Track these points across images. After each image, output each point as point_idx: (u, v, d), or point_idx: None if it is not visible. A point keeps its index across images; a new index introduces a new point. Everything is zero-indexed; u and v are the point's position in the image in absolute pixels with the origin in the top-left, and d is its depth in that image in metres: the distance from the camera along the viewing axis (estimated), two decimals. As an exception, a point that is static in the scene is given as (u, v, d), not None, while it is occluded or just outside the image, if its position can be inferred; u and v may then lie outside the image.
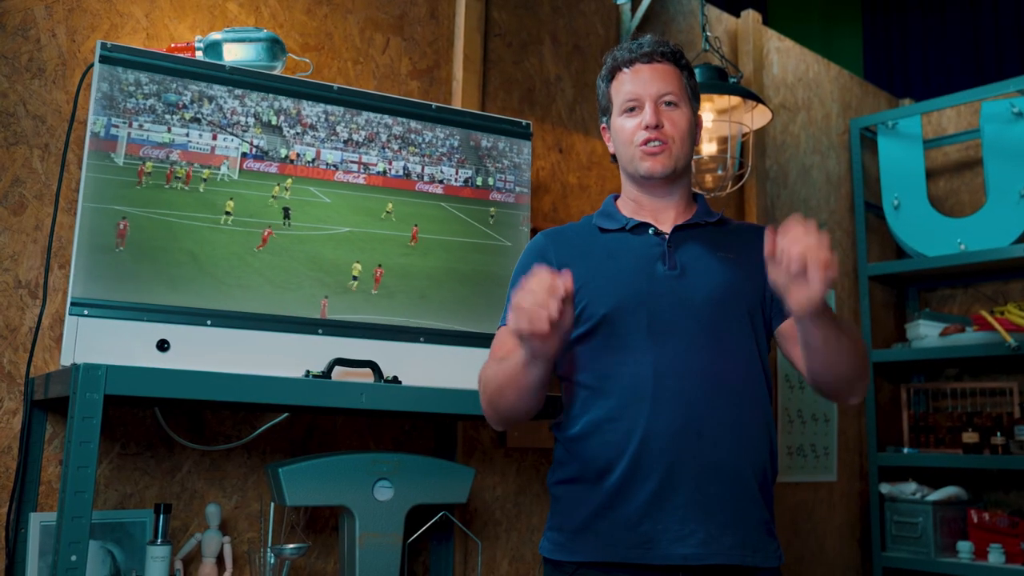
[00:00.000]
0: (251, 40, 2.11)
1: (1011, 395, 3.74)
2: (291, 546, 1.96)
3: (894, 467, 3.80)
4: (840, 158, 4.08)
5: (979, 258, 3.62)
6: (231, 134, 2.03)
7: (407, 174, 2.25)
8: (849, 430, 3.89)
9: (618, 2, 3.19)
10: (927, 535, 3.51)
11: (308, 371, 1.98)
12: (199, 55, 2.09)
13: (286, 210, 2.05)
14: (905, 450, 3.81)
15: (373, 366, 2.04)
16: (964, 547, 3.43)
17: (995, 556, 3.33)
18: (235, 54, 2.10)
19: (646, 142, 1.65)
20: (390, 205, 2.21)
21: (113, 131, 1.91)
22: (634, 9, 3.20)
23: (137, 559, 1.93)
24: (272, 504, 1.98)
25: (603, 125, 1.79)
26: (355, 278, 2.14)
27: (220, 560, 2.04)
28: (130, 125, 1.93)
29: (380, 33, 2.57)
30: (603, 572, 1.56)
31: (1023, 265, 3.68)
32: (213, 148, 2.02)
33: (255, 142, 2.07)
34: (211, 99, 2.02)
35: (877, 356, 3.85)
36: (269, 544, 1.98)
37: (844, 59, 5.12)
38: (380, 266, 2.17)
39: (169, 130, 1.97)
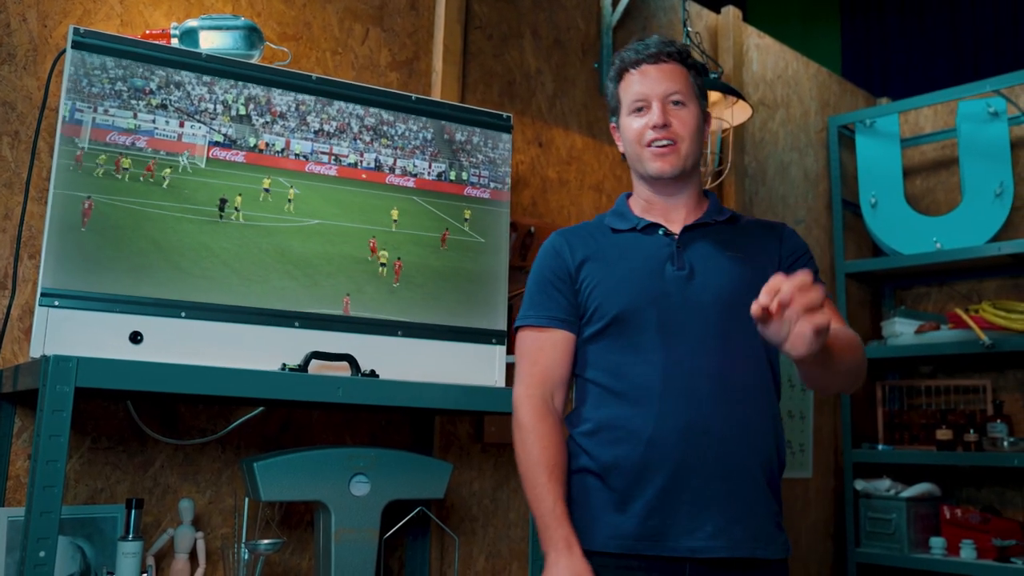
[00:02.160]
0: (228, 28, 2.08)
1: (984, 393, 3.77)
2: (266, 542, 1.94)
3: (869, 464, 3.83)
4: (818, 156, 4.10)
5: (954, 256, 3.64)
6: (199, 122, 2.00)
7: (379, 166, 2.22)
8: (824, 427, 3.91)
9: (599, -4, 3.18)
10: (900, 531, 3.53)
11: (284, 364, 1.96)
12: (174, 42, 2.06)
13: (222, 201, 2.00)
14: (880, 447, 3.84)
15: (350, 360, 2.02)
16: (937, 543, 3.46)
17: (967, 552, 3.36)
18: (211, 42, 2.07)
19: (653, 142, 1.68)
20: (395, 212, 2.21)
21: (78, 116, 1.87)
22: (615, 4, 3.19)
23: (108, 555, 1.89)
24: (247, 499, 1.95)
25: (612, 125, 1.81)
26: (383, 265, 2.15)
27: (193, 556, 2.01)
28: (95, 110, 1.88)
29: (359, 23, 2.54)
30: (615, 561, 1.59)
31: (998, 264, 3.71)
32: (180, 136, 1.98)
33: (223, 130, 2.03)
34: (179, 85, 1.98)
35: (853, 353, 3.87)
36: (243, 540, 1.95)
37: (822, 57, 5.14)
38: (400, 259, 2.18)
39: (135, 116, 1.93)
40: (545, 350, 1.70)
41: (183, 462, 2.10)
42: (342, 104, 2.18)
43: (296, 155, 2.11)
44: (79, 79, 1.87)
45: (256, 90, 2.07)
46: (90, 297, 1.81)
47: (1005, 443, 3.45)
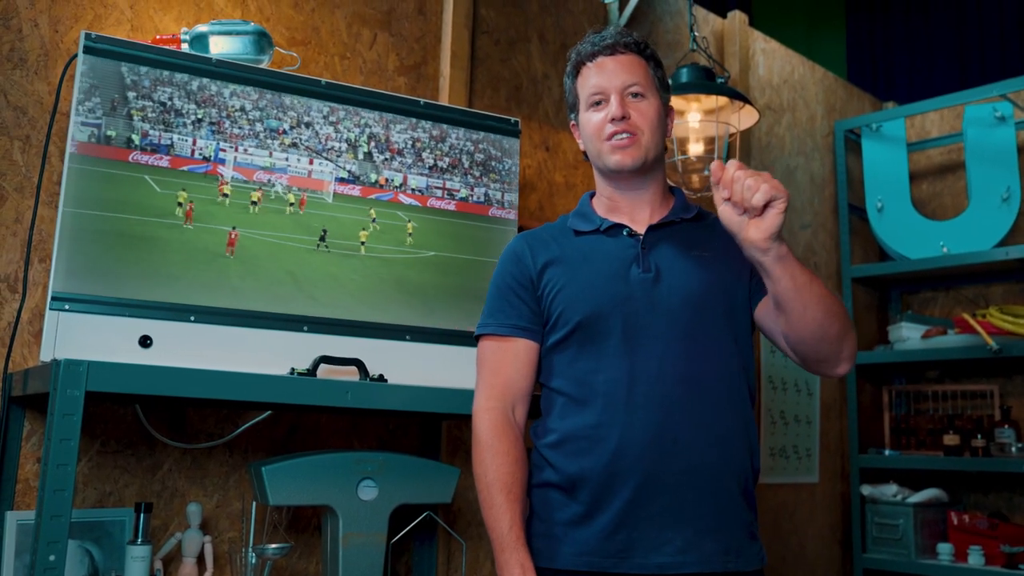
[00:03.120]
0: (238, 33, 2.09)
1: (992, 398, 3.76)
2: (273, 546, 1.93)
3: (875, 469, 3.82)
4: (824, 160, 4.10)
5: (961, 261, 3.64)
6: (326, 159, 2.10)
7: (487, 200, 2.34)
8: (831, 432, 3.90)
9: (606, 1, 3.18)
10: (908, 537, 3.52)
11: (293, 368, 1.96)
12: (185, 47, 2.07)
13: (324, 232, 2.09)
14: (886, 452, 3.83)
15: (359, 364, 2.02)
16: (944, 549, 3.44)
17: (975, 558, 3.35)
18: (221, 47, 2.07)
19: (613, 135, 1.62)
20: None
21: (221, 155, 2.00)
22: (621, 9, 3.19)
23: (116, 559, 1.90)
24: (254, 503, 1.95)
25: (572, 122, 1.76)
26: None
27: (201, 560, 2.01)
28: (236, 150, 2.01)
29: (367, 28, 2.54)
30: None
31: (1004, 268, 3.70)
32: (310, 172, 2.10)
33: (348, 167, 2.14)
34: (308, 125, 2.10)
35: (859, 358, 3.86)
36: (251, 544, 1.96)
37: (828, 61, 5.13)
38: None
39: (271, 155, 2.06)
40: (507, 361, 1.65)
41: (191, 466, 2.10)
42: (455, 140, 2.29)
43: (413, 190, 2.22)
44: (222, 119, 2.00)
45: (377, 128, 2.18)
46: (100, 301, 1.82)
47: (1013, 448, 3.44)
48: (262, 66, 2.12)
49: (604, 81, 1.64)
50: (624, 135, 1.62)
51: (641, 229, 1.67)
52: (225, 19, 2.19)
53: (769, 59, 3.86)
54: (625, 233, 1.67)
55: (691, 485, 1.53)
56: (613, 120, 1.62)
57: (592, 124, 1.66)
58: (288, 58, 2.33)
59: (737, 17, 3.66)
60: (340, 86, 2.18)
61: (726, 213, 1.43)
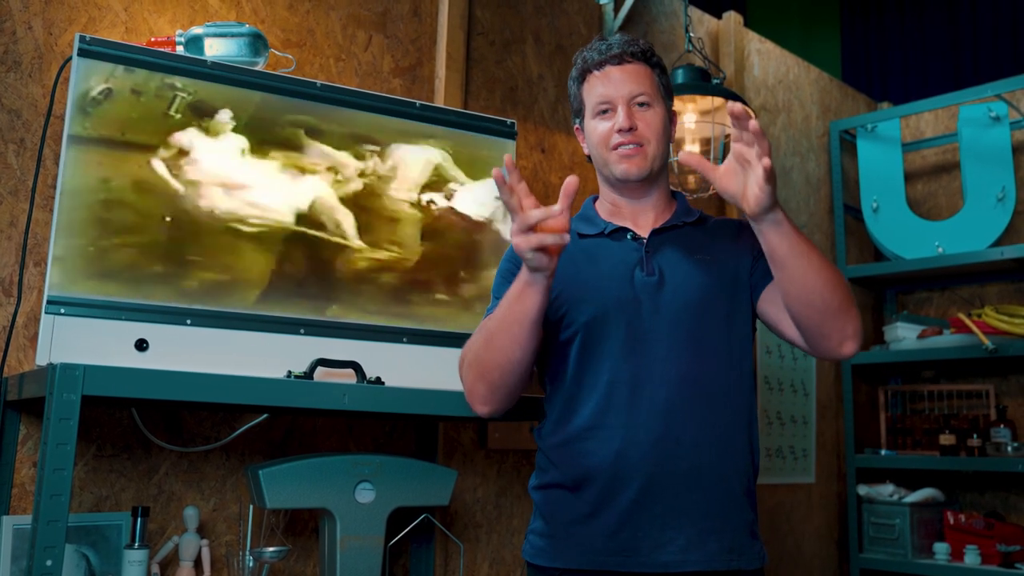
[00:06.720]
0: (233, 35, 2.08)
1: (987, 397, 3.77)
2: (271, 549, 1.93)
3: (871, 469, 3.82)
4: (819, 160, 4.10)
5: (956, 261, 3.64)
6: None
7: None
8: (827, 432, 3.90)
9: (601, 2, 3.18)
10: (904, 537, 3.53)
11: (290, 371, 1.95)
12: (180, 50, 2.06)
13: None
14: (882, 452, 3.83)
15: (356, 367, 2.01)
16: (940, 548, 3.45)
17: (971, 557, 3.36)
18: (216, 49, 2.07)
19: (620, 145, 1.63)
20: None
21: None
22: (617, 9, 3.19)
23: (113, 563, 1.89)
24: (251, 506, 1.95)
25: (576, 126, 1.77)
26: None
27: (198, 564, 2.00)
28: None
29: (363, 30, 2.54)
30: None
31: (1000, 268, 3.71)
32: None
33: None
34: None
35: (855, 358, 3.87)
36: (248, 547, 1.95)
37: (822, 61, 5.14)
38: None
39: None
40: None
41: (187, 469, 2.09)
42: None
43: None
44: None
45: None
46: (96, 304, 1.81)
47: (1009, 448, 3.44)
48: (257, 68, 2.11)
49: (611, 91, 1.65)
50: (631, 145, 1.63)
51: (644, 233, 1.68)
52: (220, 21, 2.19)
53: (764, 60, 3.86)
54: (629, 237, 1.68)
55: (694, 485, 1.54)
56: (620, 131, 1.63)
57: (598, 133, 1.67)
58: (283, 60, 2.32)
59: (732, 18, 3.66)
60: (336, 88, 2.17)
61: (730, 177, 1.45)
